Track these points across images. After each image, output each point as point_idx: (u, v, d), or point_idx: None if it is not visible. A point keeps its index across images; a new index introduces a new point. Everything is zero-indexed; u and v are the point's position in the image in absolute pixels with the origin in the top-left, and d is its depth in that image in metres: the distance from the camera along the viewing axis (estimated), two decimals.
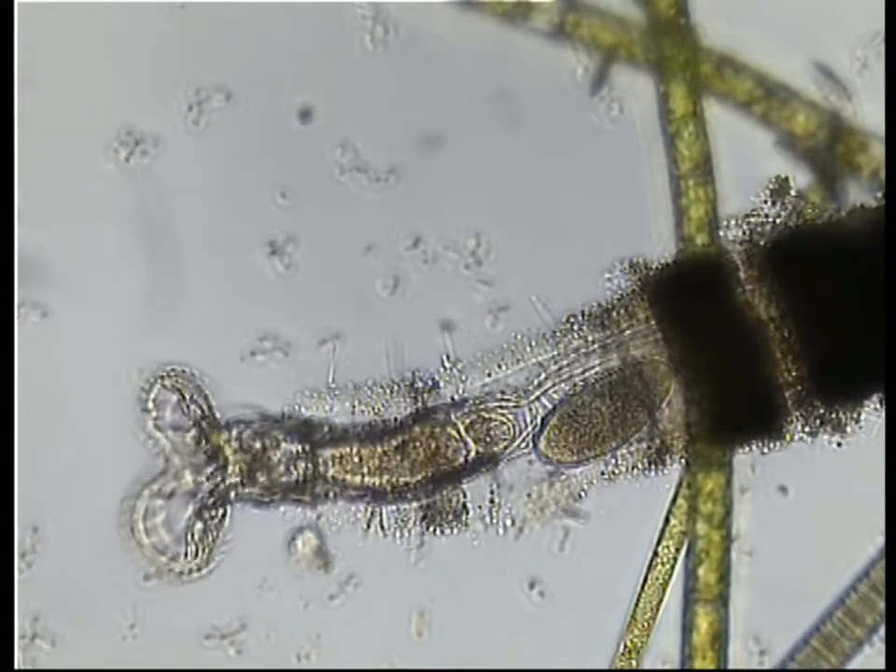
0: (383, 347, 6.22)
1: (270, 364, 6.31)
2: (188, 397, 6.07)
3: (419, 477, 6.10)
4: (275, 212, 6.35)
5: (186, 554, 6.10)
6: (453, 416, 6.12)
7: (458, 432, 6.11)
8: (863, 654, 6.36)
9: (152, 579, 6.16)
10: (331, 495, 6.11)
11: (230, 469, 6.09)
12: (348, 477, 6.10)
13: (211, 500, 6.07)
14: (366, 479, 6.11)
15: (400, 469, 6.10)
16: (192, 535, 6.08)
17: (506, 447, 6.12)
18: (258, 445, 6.10)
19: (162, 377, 6.11)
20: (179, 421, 6.08)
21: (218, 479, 6.09)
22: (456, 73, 6.33)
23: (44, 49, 6.32)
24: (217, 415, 6.12)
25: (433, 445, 6.10)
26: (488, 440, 6.10)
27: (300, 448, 6.12)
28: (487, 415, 6.11)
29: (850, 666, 6.38)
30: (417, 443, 6.10)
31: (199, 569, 6.13)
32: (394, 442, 6.12)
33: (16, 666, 6.23)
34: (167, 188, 6.33)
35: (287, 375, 6.28)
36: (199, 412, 6.08)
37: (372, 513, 6.16)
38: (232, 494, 6.09)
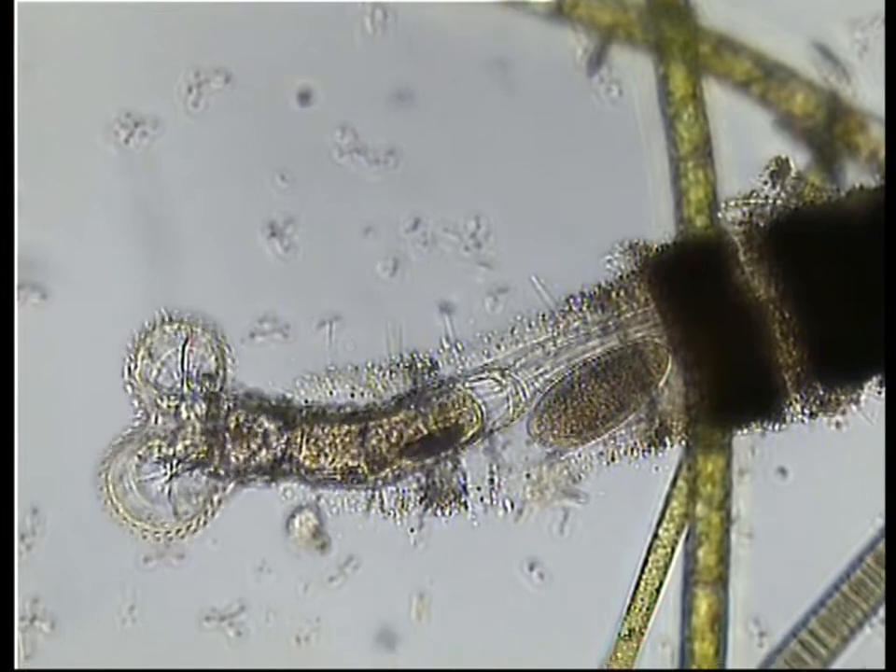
0: (382, 329, 6.22)
1: (269, 346, 6.32)
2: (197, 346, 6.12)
3: (395, 457, 6.13)
4: (275, 194, 6.36)
5: (165, 515, 6.14)
6: (434, 398, 6.14)
7: (434, 414, 6.15)
8: (863, 635, 6.38)
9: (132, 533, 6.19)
10: (304, 472, 6.13)
11: (196, 439, 6.12)
12: (321, 457, 6.12)
13: (186, 466, 6.10)
14: (337, 459, 6.13)
15: (375, 450, 6.13)
16: (170, 497, 6.11)
17: (482, 427, 6.13)
18: (235, 420, 6.13)
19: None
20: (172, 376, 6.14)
21: (190, 446, 6.12)
22: (456, 56, 6.34)
23: (43, 31, 6.32)
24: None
25: (401, 431, 6.13)
26: (462, 420, 6.12)
27: (275, 426, 6.14)
28: (467, 396, 6.13)
29: (850, 668, 6.40)
30: (387, 428, 6.13)
31: (179, 532, 6.15)
32: (366, 424, 6.13)
33: (16, 667, 6.22)
34: (167, 169, 6.34)
35: (287, 357, 6.29)
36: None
37: (372, 497, 6.19)
38: (206, 465, 6.13)
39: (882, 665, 6.17)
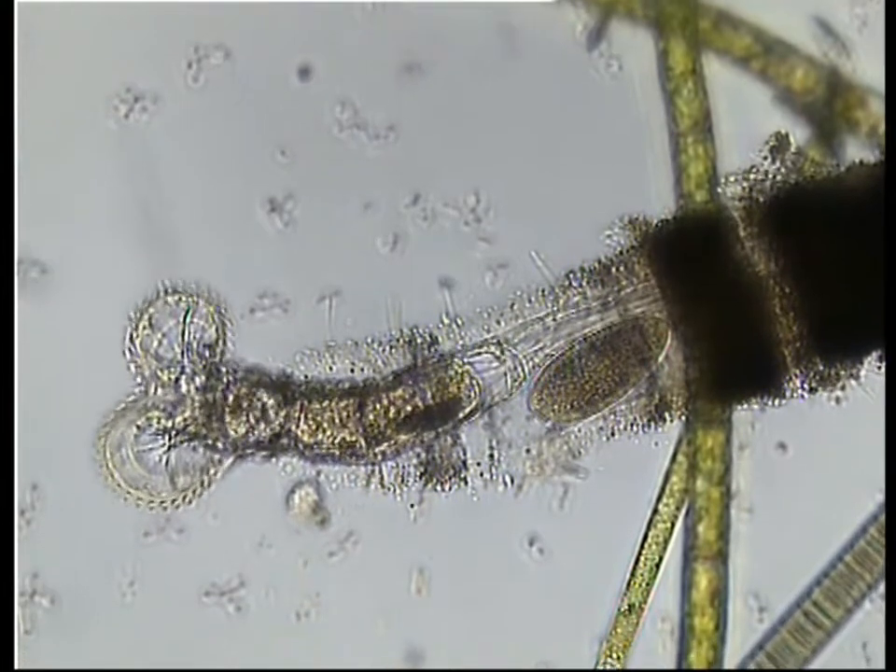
0: (382, 304, 6.23)
1: (269, 321, 6.32)
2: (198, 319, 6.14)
3: (392, 431, 6.14)
4: (275, 169, 6.36)
5: (162, 485, 6.15)
6: (433, 373, 6.15)
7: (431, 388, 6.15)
8: (864, 611, 6.38)
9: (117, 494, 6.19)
10: (302, 447, 6.14)
11: (195, 411, 6.13)
12: (319, 431, 6.12)
13: (184, 438, 6.10)
14: (335, 433, 6.13)
15: (373, 425, 6.13)
16: (167, 468, 6.11)
17: (480, 401, 6.13)
18: (235, 394, 6.14)
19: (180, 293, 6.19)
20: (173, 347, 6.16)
21: (189, 419, 6.13)
22: (455, 31, 6.34)
23: (44, 8, 6.32)
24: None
25: (399, 406, 6.14)
26: (460, 395, 6.13)
27: (274, 400, 6.14)
28: (466, 371, 6.13)
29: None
30: (385, 402, 6.13)
31: (175, 502, 6.16)
32: (364, 399, 6.14)
33: (16, 667, 6.23)
34: (166, 144, 6.34)
35: (286, 332, 6.29)
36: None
37: (372, 472, 6.19)
38: (204, 438, 6.13)
39: (882, 647, 6.20)
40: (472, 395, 6.14)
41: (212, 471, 6.12)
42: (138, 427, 6.11)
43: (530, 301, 6.18)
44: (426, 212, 6.36)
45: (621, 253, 6.18)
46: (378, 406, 6.13)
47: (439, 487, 6.19)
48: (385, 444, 6.14)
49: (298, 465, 6.18)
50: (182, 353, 6.11)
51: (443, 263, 6.33)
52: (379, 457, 6.17)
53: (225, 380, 6.14)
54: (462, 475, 6.18)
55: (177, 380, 6.10)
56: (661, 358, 6.14)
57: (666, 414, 6.18)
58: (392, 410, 6.13)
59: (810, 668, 6.37)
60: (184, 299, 6.15)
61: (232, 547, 6.33)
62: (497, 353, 6.16)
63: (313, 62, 6.34)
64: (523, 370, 6.16)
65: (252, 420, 6.12)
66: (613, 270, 6.17)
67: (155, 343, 6.12)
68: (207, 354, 6.11)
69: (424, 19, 6.32)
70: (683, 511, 6.33)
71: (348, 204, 6.36)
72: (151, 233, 6.30)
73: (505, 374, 6.16)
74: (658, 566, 6.35)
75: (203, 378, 6.12)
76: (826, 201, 6.11)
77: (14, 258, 6.20)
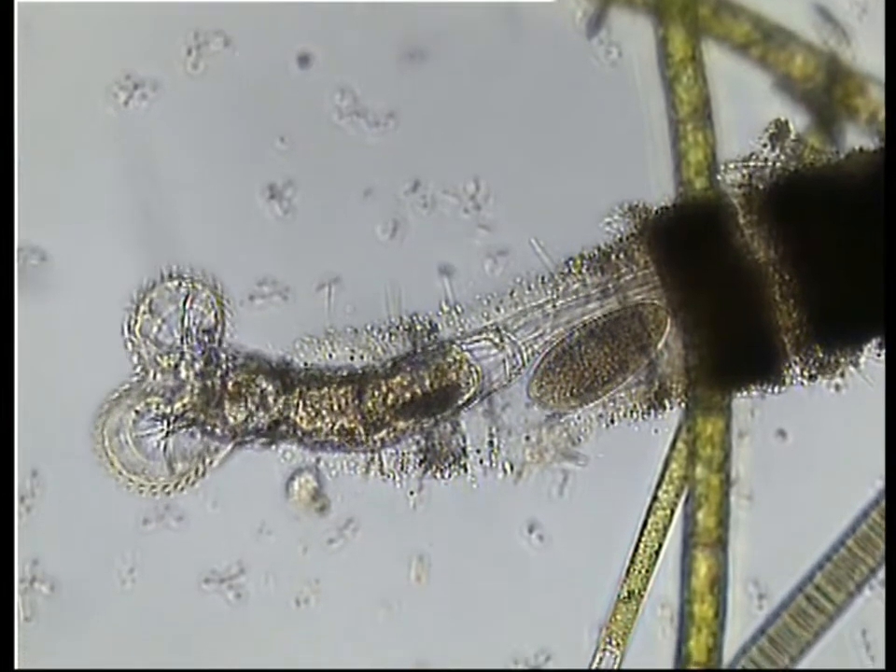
0: (381, 291, 6.23)
1: (269, 308, 6.32)
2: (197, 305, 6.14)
3: (391, 418, 6.14)
4: (274, 156, 6.36)
5: (160, 470, 6.16)
6: (431, 360, 6.15)
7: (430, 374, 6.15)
8: (864, 598, 6.39)
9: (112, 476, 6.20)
10: (301, 434, 6.14)
11: (194, 397, 6.13)
12: (317, 419, 6.13)
13: (183, 424, 6.11)
14: (334, 420, 6.13)
15: (371, 412, 6.13)
16: (165, 453, 6.12)
17: (479, 388, 6.13)
18: (234, 381, 6.14)
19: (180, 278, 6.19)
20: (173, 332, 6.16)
21: (188, 405, 6.13)
22: (455, 18, 6.34)
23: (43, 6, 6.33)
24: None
25: (398, 393, 6.14)
26: (459, 381, 6.13)
27: (273, 387, 6.14)
28: (464, 358, 6.14)
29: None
30: (384, 389, 6.13)
31: (172, 487, 6.17)
32: (363, 386, 6.14)
33: (16, 666, 6.23)
34: (166, 131, 6.34)
35: (286, 319, 6.29)
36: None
37: (371, 459, 6.19)
38: (203, 424, 6.13)
39: (881, 633, 6.21)
40: (471, 382, 6.14)
41: (210, 457, 6.13)
42: (137, 412, 6.12)
43: (530, 289, 6.19)
44: (425, 199, 6.36)
45: (620, 240, 6.19)
46: (377, 393, 6.14)
47: (438, 474, 6.19)
48: (384, 431, 6.14)
49: (297, 452, 6.19)
50: (181, 338, 6.12)
51: (443, 250, 6.33)
52: (378, 444, 6.17)
53: (224, 366, 6.14)
54: (461, 462, 6.18)
55: (177, 366, 6.11)
56: (660, 346, 6.14)
57: (666, 401, 6.18)
58: (391, 397, 6.13)
59: (811, 669, 6.40)
60: (184, 284, 6.16)
61: (232, 534, 6.34)
62: (497, 340, 6.16)
63: (312, 49, 6.34)
64: (522, 357, 6.16)
65: (251, 407, 6.13)
66: (613, 257, 6.18)
67: (155, 329, 6.14)
68: (206, 339, 6.12)
69: (424, 6, 6.32)
70: (683, 498, 6.34)
71: (348, 192, 6.36)
72: (151, 221, 6.31)
73: (504, 361, 6.16)
74: (658, 552, 6.36)
75: (202, 364, 6.13)
76: (826, 188, 6.12)
77: (14, 243, 6.22)
